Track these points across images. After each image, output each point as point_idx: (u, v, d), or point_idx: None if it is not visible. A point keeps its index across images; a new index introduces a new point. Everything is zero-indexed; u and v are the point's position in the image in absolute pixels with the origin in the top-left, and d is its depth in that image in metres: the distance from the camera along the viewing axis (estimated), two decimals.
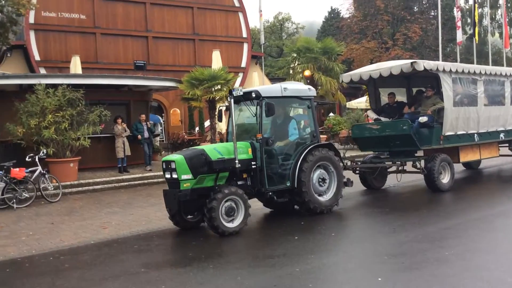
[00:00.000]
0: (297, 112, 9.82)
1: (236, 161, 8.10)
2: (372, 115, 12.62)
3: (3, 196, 11.54)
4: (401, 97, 13.02)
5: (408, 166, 11.34)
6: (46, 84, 14.11)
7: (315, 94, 9.56)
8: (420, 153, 11.92)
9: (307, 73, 24.91)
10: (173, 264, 6.62)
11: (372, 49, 41.20)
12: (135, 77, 18.49)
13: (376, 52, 41.16)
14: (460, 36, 28.40)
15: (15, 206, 11.51)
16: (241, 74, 27.98)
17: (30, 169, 12.31)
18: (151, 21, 25.77)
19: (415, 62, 10.69)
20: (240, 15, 28.58)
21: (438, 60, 26.73)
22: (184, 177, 7.83)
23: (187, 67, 23.03)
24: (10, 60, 23.06)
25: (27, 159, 12.61)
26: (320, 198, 9.04)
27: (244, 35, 28.80)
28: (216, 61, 21.90)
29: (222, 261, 6.46)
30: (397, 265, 5.83)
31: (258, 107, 8.49)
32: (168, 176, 8.12)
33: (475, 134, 11.88)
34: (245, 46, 28.85)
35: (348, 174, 10.61)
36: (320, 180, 9.06)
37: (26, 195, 11.93)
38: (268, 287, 5.33)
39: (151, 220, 9.42)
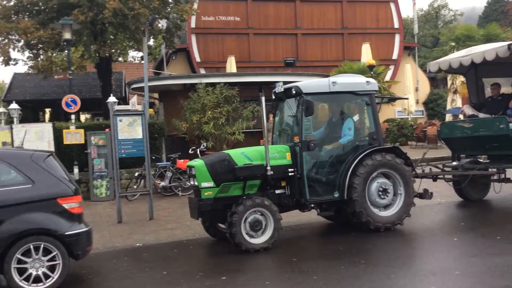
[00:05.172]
0: (355, 110, 8.34)
1: (268, 168, 7.07)
2: (468, 110, 10.36)
3: (170, 184, 12.84)
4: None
5: None
6: (206, 83, 15.29)
7: (376, 88, 8.04)
8: None
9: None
10: (323, 257, 6.68)
11: None
12: (285, 73, 19.02)
13: None
14: None
15: (180, 193, 12.73)
16: (392, 67, 26.95)
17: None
18: (300, 19, 26.22)
19: None
20: (392, 5, 27.51)
21: None
22: (204, 184, 6.96)
23: (336, 62, 22.98)
24: (175, 62, 25.51)
25: (190, 151, 13.82)
26: (379, 212, 7.57)
27: (396, 25, 27.65)
28: (366, 54, 21.41)
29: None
30: None
31: (300, 105, 7.40)
32: (191, 182, 7.46)
33: None
34: (397, 37, 27.70)
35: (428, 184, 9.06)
36: (381, 191, 7.55)
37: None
38: None
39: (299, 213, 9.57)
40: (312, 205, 7.45)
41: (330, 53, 26.76)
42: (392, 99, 19.28)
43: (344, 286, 5.28)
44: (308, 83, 8.12)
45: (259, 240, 6.87)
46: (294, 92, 7.56)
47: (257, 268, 6.23)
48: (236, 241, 6.71)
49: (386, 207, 7.67)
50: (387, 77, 24.99)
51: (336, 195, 7.47)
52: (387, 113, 24.93)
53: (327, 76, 18.71)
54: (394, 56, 27.54)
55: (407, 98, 19.78)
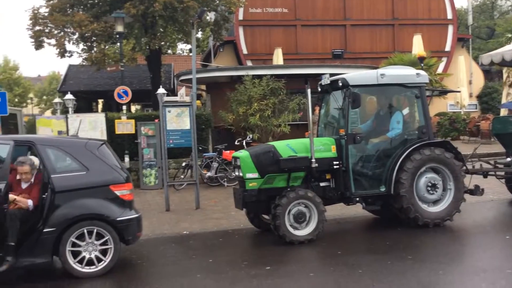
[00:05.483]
0: (405, 103, 8.10)
1: (313, 160, 7.02)
2: None
3: (216, 175, 13.04)
4: None
5: None
6: (252, 75, 15.34)
7: (426, 81, 7.80)
8: None
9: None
10: (369, 251, 6.60)
11: None
12: (332, 65, 18.78)
13: None
14: None
15: (225, 184, 12.90)
16: (444, 59, 26.08)
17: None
18: (349, 9, 25.80)
19: None
20: None
21: None
22: (249, 175, 7.01)
23: (385, 54, 22.49)
24: (222, 54, 25.75)
25: (236, 143, 13.96)
26: (427, 208, 7.38)
27: (449, 16, 26.70)
28: (417, 45, 20.79)
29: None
30: None
31: (346, 97, 7.30)
32: (236, 173, 7.54)
33: None
34: (450, 28, 26.75)
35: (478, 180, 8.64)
36: (430, 186, 7.35)
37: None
38: None
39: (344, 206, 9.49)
40: (357, 199, 7.35)
41: (379, 45, 26.21)
42: (444, 92, 18.45)
43: (390, 281, 5.20)
44: (355, 75, 7.98)
45: (303, 232, 6.85)
46: (340, 84, 7.45)
47: (301, 260, 6.26)
48: (280, 233, 6.74)
49: (435, 202, 7.47)
50: (439, 69, 24.21)
51: (383, 189, 7.33)
52: (439, 107, 24.17)
53: (376, 68, 18.41)
54: (447, 48, 26.65)
55: (459, 91, 19.04)
